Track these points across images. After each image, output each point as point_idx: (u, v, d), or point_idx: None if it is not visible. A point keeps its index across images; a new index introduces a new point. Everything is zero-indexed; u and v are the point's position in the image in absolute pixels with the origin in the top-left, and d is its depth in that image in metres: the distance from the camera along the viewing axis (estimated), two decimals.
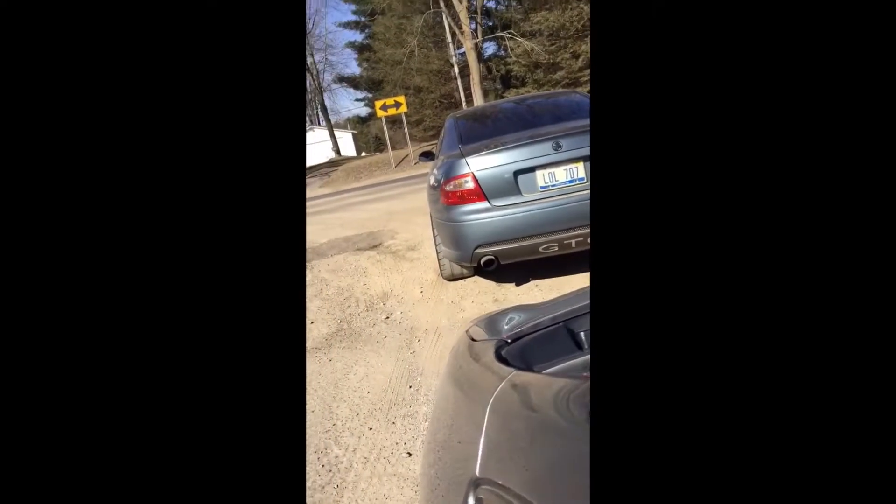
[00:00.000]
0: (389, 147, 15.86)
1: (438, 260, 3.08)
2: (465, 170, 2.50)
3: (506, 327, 0.87)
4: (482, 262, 2.55)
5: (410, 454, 1.63)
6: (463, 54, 17.66)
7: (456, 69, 18.85)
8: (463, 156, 2.56)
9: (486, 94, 16.83)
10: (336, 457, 1.68)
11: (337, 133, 28.40)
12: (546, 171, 2.48)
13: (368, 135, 35.22)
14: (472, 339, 0.87)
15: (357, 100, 41.60)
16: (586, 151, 2.44)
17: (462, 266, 2.87)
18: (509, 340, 0.79)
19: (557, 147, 2.43)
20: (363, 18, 26.12)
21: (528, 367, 0.69)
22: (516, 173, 2.47)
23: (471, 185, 2.48)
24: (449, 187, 2.55)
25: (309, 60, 26.69)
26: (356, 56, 29.01)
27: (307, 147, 20.57)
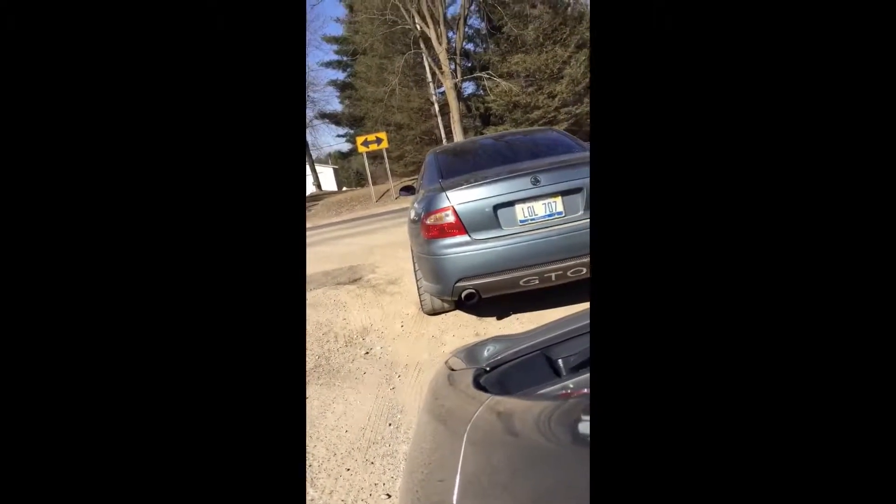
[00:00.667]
0: (371, 182, 15.97)
1: (419, 294, 3.05)
2: (446, 203, 2.53)
3: (484, 356, 0.86)
4: (463, 295, 2.54)
5: (389, 496, 1.57)
6: (443, 93, 18.15)
7: (436, 107, 19.32)
8: (443, 189, 2.58)
9: (465, 131, 17.23)
10: (312, 500, 1.60)
11: (318, 168, 28.53)
12: (525, 206, 2.52)
13: (349, 170, 35.47)
14: (451, 370, 0.87)
15: (338, 136, 42.11)
16: (564, 186, 2.51)
17: (443, 300, 2.85)
18: (488, 368, 0.79)
19: (536, 182, 2.49)
20: (345, 58, 26.73)
21: (506, 394, 0.69)
22: (496, 207, 2.50)
23: (451, 218, 2.50)
24: (429, 220, 2.56)
25: None
26: (338, 94, 29.55)
27: None
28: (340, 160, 35.98)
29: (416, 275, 3.05)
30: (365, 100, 21.96)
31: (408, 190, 3.75)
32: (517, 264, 2.46)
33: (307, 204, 16.97)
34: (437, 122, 19.05)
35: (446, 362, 0.93)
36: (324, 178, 29.73)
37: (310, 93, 28.30)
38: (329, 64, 29.09)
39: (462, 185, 2.57)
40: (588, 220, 2.40)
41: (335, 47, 27.37)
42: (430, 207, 2.58)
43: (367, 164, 16.02)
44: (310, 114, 29.27)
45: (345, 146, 33.30)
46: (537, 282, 2.49)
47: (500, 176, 2.56)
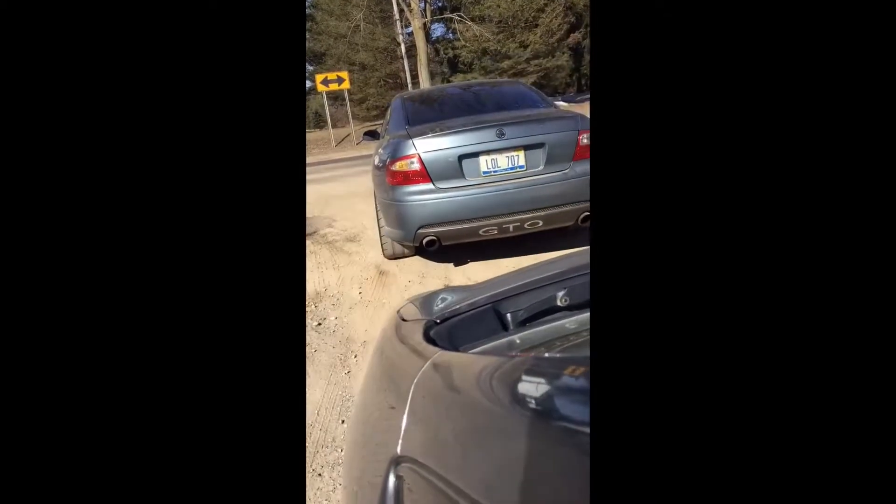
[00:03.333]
0: (330, 124, 15.01)
1: (381, 238, 3.05)
2: (412, 150, 2.50)
3: (437, 308, 0.86)
4: (424, 242, 2.56)
5: None
6: (410, 34, 17.03)
7: (403, 48, 18.15)
8: (410, 137, 2.56)
9: (432, 76, 16.33)
10: None
11: None
12: (489, 157, 2.52)
13: (307, 110, 33.57)
14: (403, 320, 0.87)
15: None
16: (527, 140, 2.53)
17: (404, 246, 2.85)
18: (438, 321, 0.79)
19: (501, 135, 2.49)
20: None
21: (453, 348, 0.70)
22: (461, 157, 2.50)
23: (416, 166, 2.49)
24: (395, 167, 2.54)
25: None
26: None
27: None
28: None
29: (378, 220, 3.04)
30: (326, 34, 20.42)
31: (371, 135, 3.66)
32: (478, 214, 2.48)
33: None
34: (403, 64, 17.97)
35: (399, 311, 0.92)
36: None
37: None
38: None
39: (428, 133, 2.55)
40: (547, 175, 2.51)
41: None
42: (396, 154, 2.56)
43: (326, 104, 14.98)
44: None
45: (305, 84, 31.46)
46: (496, 232, 2.55)
47: (467, 126, 2.57)
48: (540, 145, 2.52)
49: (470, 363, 0.60)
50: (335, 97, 17.30)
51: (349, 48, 18.52)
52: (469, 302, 0.83)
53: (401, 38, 18.05)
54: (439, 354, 0.63)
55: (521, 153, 2.52)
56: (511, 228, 2.53)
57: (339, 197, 5.60)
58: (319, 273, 3.21)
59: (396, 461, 0.53)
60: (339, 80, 13.43)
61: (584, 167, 2.53)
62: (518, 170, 2.53)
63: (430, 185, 2.49)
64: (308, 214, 4.90)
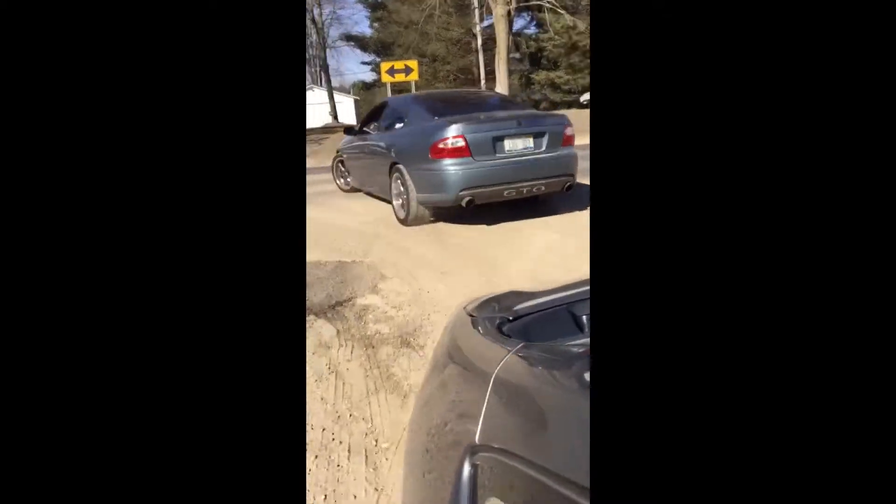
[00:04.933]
0: None
1: (406, 204, 3.67)
2: (458, 132, 3.31)
3: (502, 307, 0.87)
4: (465, 202, 3.35)
5: None
6: (487, 26, 15.19)
7: (479, 40, 16.38)
8: (453, 123, 3.37)
9: (510, 73, 14.45)
10: None
11: (337, 97, 25.74)
12: (511, 140, 3.46)
13: (372, 103, 32.57)
14: (471, 315, 0.86)
15: (364, 63, 38.64)
16: (535, 129, 3.53)
17: (435, 208, 3.63)
18: (511, 318, 0.80)
19: (519, 124, 3.51)
20: None
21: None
22: (494, 139, 3.38)
23: (461, 143, 3.30)
24: (441, 145, 3.31)
25: (315, 12, 24.01)
26: (368, 14, 26.39)
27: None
28: (363, 91, 33.05)
29: (392, 190, 3.87)
30: (397, 24, 19.00)
31: (348, 131, 5.00)
32: (503, 180, 3.39)
33: (319, 136, 14.51)
34: (478, 58, 16.20)
35: (464, 308, 0.93)
36: (342, 108, 26.93)
37: (336, 9, 25.28)
38: None
39: (472, 121, 3.44)
40: (546, 154, 3.52)
41: None
42: (442, 135, 3.32)
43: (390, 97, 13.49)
44: (334, 33, 26.41)
45: (369, 76, 30.44)
46: (514, 194, 3.49)
47: (500, 116, 3.62)
48: (542, 133, 3.52)
49: (555, 356, 0.64)
50: (401, 90, 15.83)
51: (420, 38, 16.95)
52: (536, 303, 0.84)
53: (477, 30, 16.26)
54: (523, 346, 0.63)
55: (531, 138, 3.50)
56: (524, 192, 3.50)
57: (392, 226, 3.87)
58: (330, 414, 1.48)
59: (473, 451, 0.53)
60: (407, 70, 11.85)
61: (569, 150, 3.65)
62: (528, 150, 3.50)
63: (469, 159, 3.30)
64: (348, 254, 3.18)
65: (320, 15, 24.20)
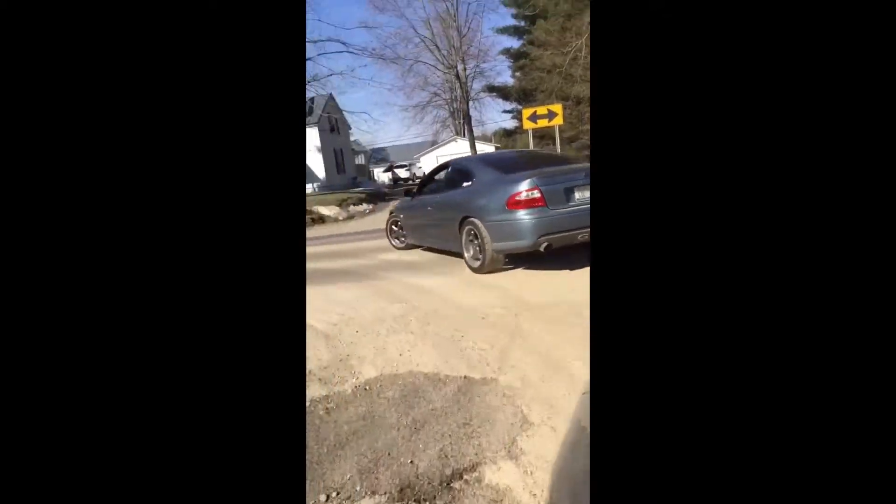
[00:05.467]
0: None
1: (481, 252, 3.94)
2: (533, 185, 3.61)
3: None
4: (543, 247, 3.59)
5: None
6: None
7: None
8: (528, 178, 3.66)
9: None
10: None
11: (479, 145, 26.13)
12: (580, 191, 3.73)
13: (513, 149, 32.53)
14: None
15: (505, 111, 39.26)
16: None
17: (514, 253, 3.89)
18: None
19: (585, 177, 3.79)
20: (523, 23, 23.61)
21: None
22: (566, 190, 3.67)
23: (537, 194, 3.60)
24: (518, 197, 3.62)
25: (459, 68, 24.91)
26: (510, 64, 26.67)
27: (447, 156, 18.60)
28: (504, 138, 33.25)
29: (464, 240, 4.15)
30: (539, 70, 18.59)
31: (408, 193, 5.43)
32: (575, 226, 3.62)
33: None
34: None
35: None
36: None
37: (479, 63, 25.96)
38: (504, 30, 26.25)
39: (544, 175, 3.74)
40: None
41: (513, 11, 24.36)
42: (517, 188, 3.64)
43: (531, 144, 12.82)
44: (477, 86, 27.08)
45: (511, 123, 30.51)
46: (585, 238, 3.69)
47: (570, 170, 3.86)
48: None
49: None
50: (543, 135, 15.16)
51: (564, 80, 16.24)
52: None
53: None
54: None
55: None
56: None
57: (537, 313, 2.89)
58: None
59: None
60: (551, 115, 11.08)
61: None
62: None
63: (546, 208, 3.60)
64: (459, 363, 2.33)
65: (464, 70, 25.06)
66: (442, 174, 5.00)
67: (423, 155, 33.87)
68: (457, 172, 4.66)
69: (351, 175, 27.12)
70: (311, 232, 9.03)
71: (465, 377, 2.18)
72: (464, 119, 26.44)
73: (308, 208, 11.33)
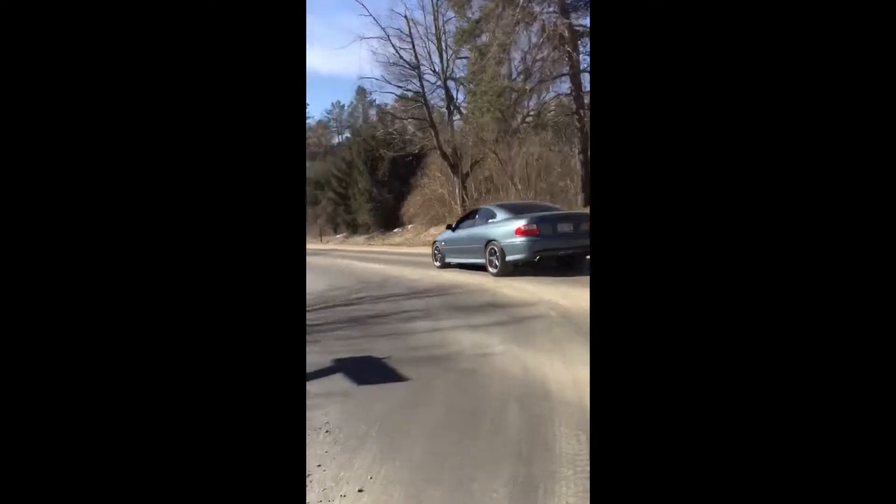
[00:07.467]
0: None
1: (499, 263, 5.98)
2: (531, 221, 5.70)
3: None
4: (538, 258, 5.66)
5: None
6: None
7: None
8: (529, 216, 5.81)
9: None
10: None
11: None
12: (561, 224, 5.80)
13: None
14: None
15: None
16: (574, 220, 5.96)
17: (515, 264, 5.89)
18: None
19: (567, 217, 6.04)
20: None
21: None
22: (553, 223, 5.76)
23: (534, 227, 5.65)
24: (523, 228, 5.66)
25: None
26: None
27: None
28: None
29: (487, 255, 6.24)
30: None
31: (449, 227, 7.56)
32: (559, 246, 5.71)
33: None
34: None
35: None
36: None
37: None
38: None
39: (539, 214, 5.92)
40: (582, 233, 5.79)
41: None
42: (522, 224, 5.71)
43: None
44: None
45: None
46: (563, 253, 5.84)
47: (554, 213, 6.16)
48: (579, 221, 5.89)
49: None
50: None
51: None
52: None
53: None
54: None
55: (572, 224, 5.82)
56: (571, 252, 5.84)
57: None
58: None
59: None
60: None
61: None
62: (573, 230, 5.76)
63: (539, 236, 5.61)
64: None
65: None
66: (475, 216, 7.18)
67: None
68: (484, 213, 6.99)
69: None
70: None
71: None
72: None
73: None
